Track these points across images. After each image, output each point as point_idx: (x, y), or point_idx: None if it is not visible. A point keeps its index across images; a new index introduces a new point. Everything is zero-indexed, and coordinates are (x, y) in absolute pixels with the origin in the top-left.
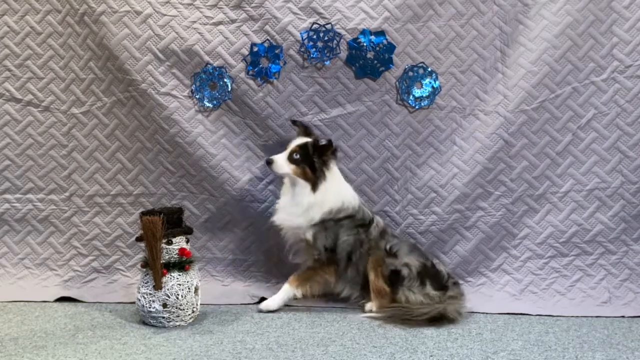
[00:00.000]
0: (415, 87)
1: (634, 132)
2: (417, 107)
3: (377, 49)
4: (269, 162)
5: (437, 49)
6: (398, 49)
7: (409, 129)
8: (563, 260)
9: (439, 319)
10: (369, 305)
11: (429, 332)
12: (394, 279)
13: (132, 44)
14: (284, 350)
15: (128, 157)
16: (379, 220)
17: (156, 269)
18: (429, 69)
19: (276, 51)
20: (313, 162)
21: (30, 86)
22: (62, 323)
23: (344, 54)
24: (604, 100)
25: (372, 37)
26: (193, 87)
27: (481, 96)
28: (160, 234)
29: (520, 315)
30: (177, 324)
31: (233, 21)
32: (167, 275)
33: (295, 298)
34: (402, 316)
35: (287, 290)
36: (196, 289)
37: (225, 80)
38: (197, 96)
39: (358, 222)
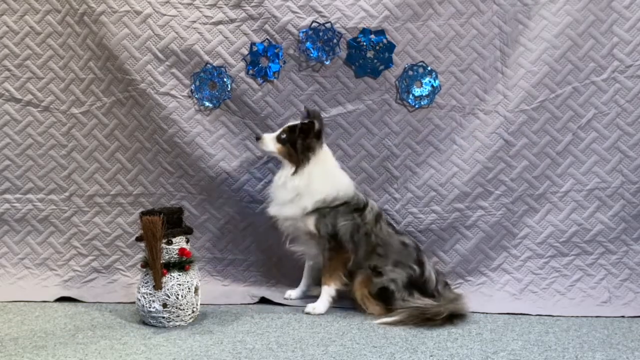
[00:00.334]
0: (415, 86)
1: (634, 132)
2: (416, 106)
3: (377, 48)
4: (257, 138)
5: (436, 48)
6: (398, 48)
7: (409, 127)
8: (563, 260)
9: (455, 317)
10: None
11: (429, 332)
12: (384, 295)
13: (131, 43)
14: (284, 350)
15: (127, 157)
16: (373, 204)
17: (156, 269)
18: (429, 68)
19: (276, 50)
20: (296, 143)
21: (30, 86)
22: (62, 323)
23: (343, 53)
24: (604, 100)
25: (372, 36)
26: (193, 87)
27: (481, 95)
28: (160, 234)
29: (520, 315)
30: (177, 324)
31: (232, 21)
32: (167, 275)
33: (340, 293)
34: (419, 317)
35: (327, 290)
36: (196, 289)
37: (224, 79)
38: (197, 96)
39: (353, 207)
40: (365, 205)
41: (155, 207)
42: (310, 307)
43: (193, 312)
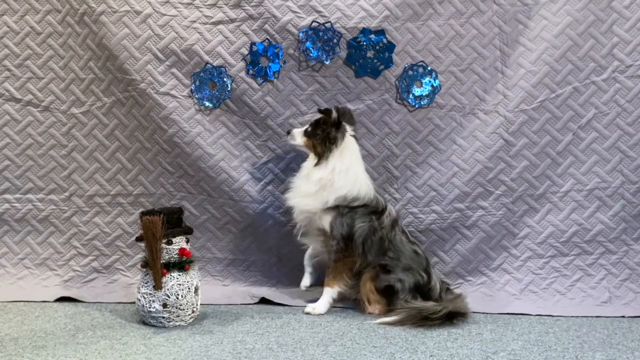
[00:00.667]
0: (415, 86)
1: (635, 132)
2: (416, 105)
3: (377, 47)
4: (288, 132)
5: (436, 47)
6: (398, 48)
7: (409, 127)
8: (563, 259)
9: (454, 316)
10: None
11: (429, 332)
12: (389, 293)
13: (131, 43)
14: (284, 350)
15: (128, 157)
16: (391, 209)
17: (156, 269)
18: (429, 68)
19: (276, 50)
20: (317, 135)
21: (30, 86)
22: (62, 323)
23: (343, 52)
24: (604, 100)
25: (372, 36)
26: (193, 87)
27: (481, 95)
28: (160, 234)
29: (520, 315)
30: (177, 324)
31: (232, 20)
32: (167, 275)
33: (342, 295)
34: (417, 316)
35: (329, 292)
36: (196, 289)
37: (224, 79)
38: (197, 96)
39: (372, 209)
40: (384, 209)
41: (155, 207)
42: (310, 307)
43: (193, 312)
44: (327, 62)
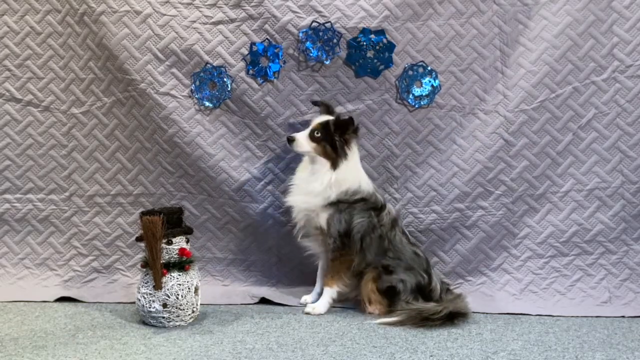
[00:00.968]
0: (415, 86)
1: (635, 132)
2: (416, 105)
3: (377, 47)
4: (290, 140)
5: (436, 47)
6: (398, 48)
7: (409, 127)
8: (563, 259)
9: (455, 316)
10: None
11: (429, 332)
12: (390, 293)
13: (131, 43)
14: (284, 350)
15: (128, 157)
16: (391, 208)
17: (156, 269)
18: (429, 68)
19: (276, 50)
20: (334, 140)
21: (30, 86)
22: (62, 323)
23: (343, 52)
24: (604, 100)
25: (372, 36)
26: (193, 87)
27: (481, 95)
28: (160, 234)
29: (520, 315)
30: (177, 324)
31: (232, 20)
32: (167, 275)
33: (342, 295)
34: (418, 317)
35: (328, 292)
36: (196, 289)
37: (224, 79)
38: (197, 96)
39: (371, 205)
40: (383, 206)
41: (155, 207)
42: (310, 307)
43: (193, 312)
44: (327, 62)
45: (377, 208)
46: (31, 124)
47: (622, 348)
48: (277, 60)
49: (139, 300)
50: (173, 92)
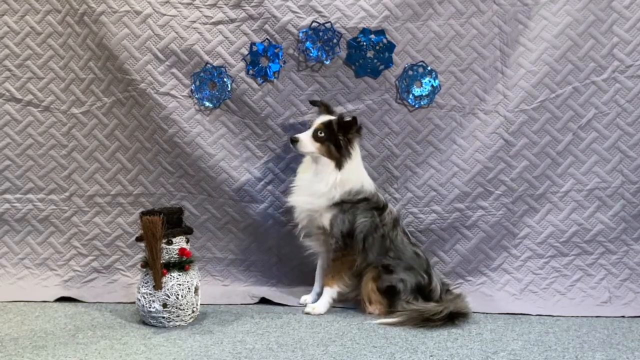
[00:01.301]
0: (415, 86)
1: (635, 132)
2: (416, 105)
3: (377, 47)
4: (294, 141)
5: (436, 47)
6: (398, 48)
7: (409, 127)
8: (563, 259)
9: (455, 316)
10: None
11: (429, 332)
12: (390, 293)
13: (131, 43)
14: (284, 350)
15: (128, 157)
16: (392, 209)
17: (156, 269)
18: (429, 68)
19: (276, 50)
20: (338, 139)
21: (30, 86)
22: (62, 323)
23: (343, 53)
24: (604, 100)
25: (372, 36)
26: (193, 87)
27: (481, 95)
28: (160, 234)
29: (520, 315)
30: (177, 324)
31: (232, 20)
32: (167, 275)
33: (342, 295)
34: (418, 318)
35: (328, 292)
36: (196, 289)
37: (224, 79)
38: (197, 96)
39: (373, 204)
40: (385, 206)
41: (156, 207)
42: (310, 307)
43: (193, 312)
44: (327, 62)
45: (380, 208)
46: (31, 124)
47: (622, 348)
48: (277, 60)
49: (139, 300)
50: (173, 92)
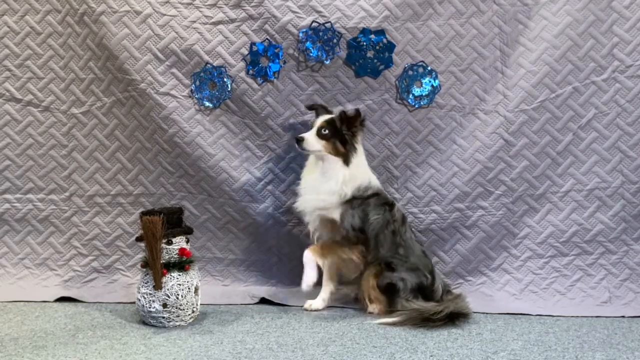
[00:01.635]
0: (415, 86)
1: (635, 132)
2: (416, 105)
3: (377, 47)
4: (299, 140)
5: (436, 47)
6: (398, 48)
7: (409, 127)
8: (563, 259)
9: (455, 316)
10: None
11: (429, 332)
12: (390, 291)
13: (131, 43)
14: (284, 350)
15: (128, 157)
16: (399, 206)
17: (156, 269)
18: (429, 68)
19: (276, 50)
20: (343, 135)
21: (30, 86)
22: (62, 323)
23: (343, 52)
24: (604, 100)
25: (372, 36)
26: (193, 87)
27: (481, 95)
28: (160, 234)
29: (520, 315)
30: (177, 324)
31: (232, 20)
32: (167, 275)
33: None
34: (418, 317)
35: (311, 260)
36: (196, 289)
37: (224, 79)
38: (197, 96)
39: (383, 200)
40: (394, 202)
41: (156, 207)
42: (307, 304)
43: (193, 312)
44: (327, 62)
45: (389, 203)
46: (31, 124)
47: (622, 348)
48: (277, 60)
49: (139, 300)
50: (173, 92)
